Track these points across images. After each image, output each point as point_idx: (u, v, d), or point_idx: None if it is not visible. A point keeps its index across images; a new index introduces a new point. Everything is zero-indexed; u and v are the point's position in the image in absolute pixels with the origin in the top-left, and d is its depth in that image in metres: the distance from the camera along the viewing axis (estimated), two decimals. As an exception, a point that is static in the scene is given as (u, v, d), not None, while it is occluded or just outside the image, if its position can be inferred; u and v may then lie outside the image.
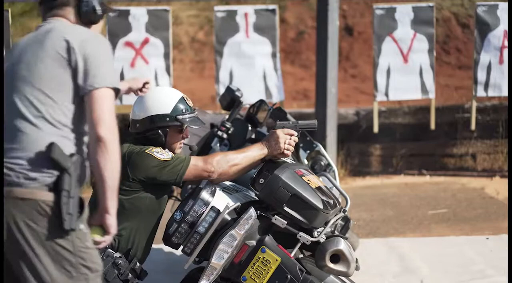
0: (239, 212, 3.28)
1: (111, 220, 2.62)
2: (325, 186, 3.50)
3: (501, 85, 7.48)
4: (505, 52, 7.40)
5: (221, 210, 3.21)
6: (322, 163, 4.71)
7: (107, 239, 2.68)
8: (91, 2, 2.76)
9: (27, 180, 2.50)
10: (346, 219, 3.73)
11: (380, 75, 7.38)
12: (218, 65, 7.24)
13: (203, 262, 3.36)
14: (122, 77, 7.11)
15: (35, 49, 2.61)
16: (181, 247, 3.30)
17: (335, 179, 4.59)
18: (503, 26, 7.36)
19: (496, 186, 7.29)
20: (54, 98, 2.55)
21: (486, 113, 8.13)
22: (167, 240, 3.29)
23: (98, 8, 2.77)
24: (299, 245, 3.28)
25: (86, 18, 2.77)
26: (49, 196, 2.50)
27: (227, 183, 3.50)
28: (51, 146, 2.50)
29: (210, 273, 3.22)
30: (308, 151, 4.76)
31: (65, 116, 2.56)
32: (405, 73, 7.38)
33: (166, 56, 7.18)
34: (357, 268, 3.40)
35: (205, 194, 3.25)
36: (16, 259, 2.52)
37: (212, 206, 3.23)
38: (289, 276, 3.18)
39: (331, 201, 3.39)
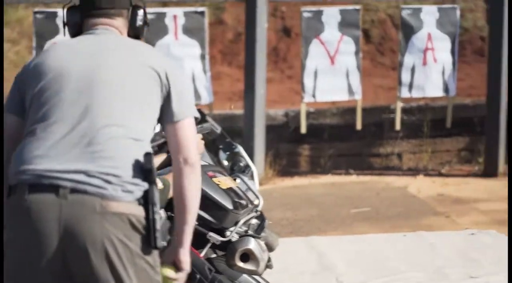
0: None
1: (186, 256, 2.53)
2: (238, 187, 3.59)
3: (424, 86, 7.72)
4: (429, 54, 7.64)
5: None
6: (241, 164, 4.81)
7: (180, 277, 2.56)
8: (144, 17, 2.71)
9: (124, 193, 2.34)
10: (261, 219, 3.84)
11: (307, 76, 7.53)
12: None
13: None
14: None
15: (127, 60, 2.51)
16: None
17: (253, 179, 4.69)
18: (427, 29, 7.60)
19: (419, 185, 7.52)
20: (145, 114, 2.46)
21: (411, 114, 8.37)
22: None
23: (148, 23, 2.75)
24: (209, 245, 3.37)
25: (137, 32, 2.69)
26: (140, 211, 2.36)
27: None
28: (147, 156, 2.39)
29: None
30: (228, 153, 4.86)
31: (149, 133, 2.49)
32: (332, 75, 7.55)
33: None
34: (270, 267, 3.50)
35: None
36: (102, 276, 2.32)
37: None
38: (198, 276, 3.26)
39: (243, 202, 3.48)
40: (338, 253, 5.21)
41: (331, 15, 7.47)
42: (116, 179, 2.32)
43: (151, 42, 7.26)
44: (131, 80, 2.46)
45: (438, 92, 7.82)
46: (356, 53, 7.57)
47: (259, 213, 3.70)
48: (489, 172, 7.84)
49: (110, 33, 2.60)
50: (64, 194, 2.28)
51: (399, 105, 7.85)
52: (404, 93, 7.73)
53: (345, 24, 7.48)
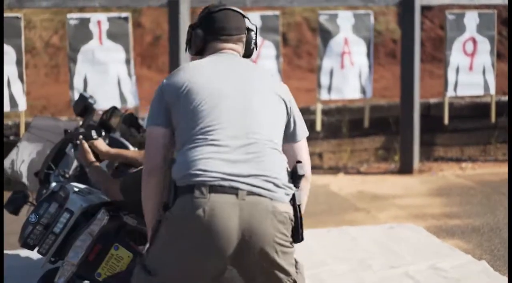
0: (92, 212, 3.50)
1: None
2: None
3: (342, 89, 8.05)
4: (346, 57, 7.97)
5: (74, 211, 3.43)
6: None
7: None
8: (255, 39, 3.00)
9: (286, 196, 2.69)
10: None
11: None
12: (72, 72, 7.35)
13: (58, 262, 3.55)
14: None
15: (263, 82, 2.85)
16: (37, 248, 3.48)
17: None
18: (343, 33, 7.93)
19: (340, 183, 7.83)
20: (281, 129, 2.83)
21: (330, 115, 8.69)
22: (22, 242, 3.46)
23: (256, 45, 3.03)
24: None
25: (250, 53, 3.01)
26: (292, 209, 2.72)
27: (81, 186, 3.71)
28: (300, 165, 2.75)
29: (66, 271, 3.43)
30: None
31: (281, 143, 2.83)
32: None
33: (19, 62, 7.21)
34: None
35: (59, 197, 3.45)
36: (271, 265, 2.68)
37: (66, 208, 3.44)
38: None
39: None
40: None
41: (252, 20, 7.68)
42: (280, 183, 2.69)
43: (76, 47, 7.35)
44: (270, 100, 2.81)
45: (356, 94, 8.16)
46: (277, 57, 7.83)
47: None
48: (405, 169, 8.23)
49: (237, 57, 2.92)
50: (242, 195, 2.60)
51: (319, 106, 8.16)
52: (324, 95, 8.04)
53: (266, 29, 7.72)
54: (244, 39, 2.97)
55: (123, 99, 7.44)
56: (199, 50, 2.95)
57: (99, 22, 7.34)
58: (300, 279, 2.85)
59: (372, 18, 8.07)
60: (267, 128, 2.76)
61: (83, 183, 3.84)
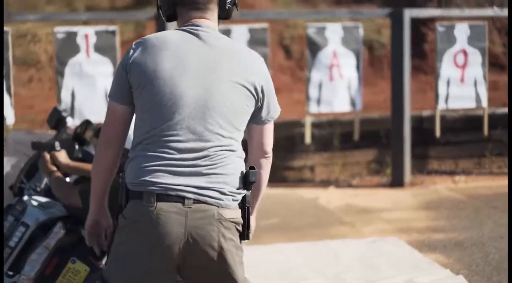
0: (50, 226, 3.47)
1: (254, 221, 2.99)
2: None
3: (332, 101, 8.01)
4: (335, 70, 7.93)
5: (30, 225, 3.40)
6: None
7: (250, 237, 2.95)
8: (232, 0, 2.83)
9: (233, 202, 2.73)
10: None
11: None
12: (60, 85, 7.35)
13: (16, 276, 3.51)
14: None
15: (233, 81, 2.73)
16: (-7, 262, 3.44)
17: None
18: (332, 46, 7.90)
19: (329, 196, 7.77)
20: (241, 128, 2.77)
21: (321, 128, 8.65)
22: (-22, 256, 3.42)
23: (237, 4, 2.86)
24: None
25: (226, 14, 2.82)
26: (240, 213, 2.76)
27: (43, 199, 3.68)
28: (253, 172, 2.75)
29: (24, 285, 3.39)
30: None
31: (240, 142, 2.79)
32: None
33: (7, 76, 7.21)
34: None
35: (15, 211, 3.43)
36: (218, 269, 2.71)
37: (22, 221, 3.41)
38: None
39: None
40: (245, 263, 5.38)
41: (240, 33, 7.68)
42: (228, 191, 2.71)
43: (64, 60, 7.34)
44: (236, 104, 2.72)
45: (345, 107, 8.12)
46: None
47: None
48: (396, 183, 8.17)
49: (210, 34, 2.73)
50: (188, 204, 2.65)
51: (309, 119, 8.11)
52: (313, 108, 8.00)
53: (254, 42, 7.69)
54: (216, 1, 2.80)
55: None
56: (169, 15, 2.81)
57: (86, 36, 7.34)
58: None
59: (361, 31, 8.04)
60: (226, 131, 2.73)
61: (52, 197, 3.80)
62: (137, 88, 2.70)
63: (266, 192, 8.26)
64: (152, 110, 2.68)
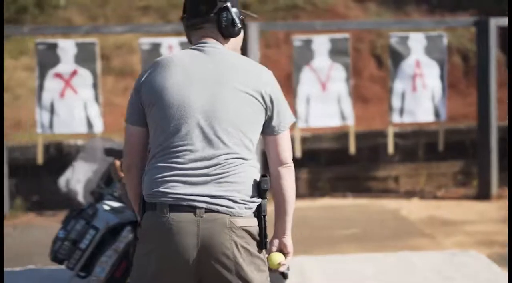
0: (120, 230, 3.59)
1: (290, 241, 2.93)
2: None
3: (414, 111, 7.91)
4: (418, 79, 7.84)
5: (100, 228, 3.53)
6: None
7: (288, 260, 2.92)
8: (229, 15, 2.86)
9: (246, 210, 2.73)
10: None
11: (300, 103, 7.75)
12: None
13: (88, 278, 3.65)
14: (52, 107, 7.41)
15: (240, 91, 2.78)
16: (66, 262, 3.60)
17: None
18: (415, 55, 7.81)
19: (412, 207, 7.68)
20: (251, 137, 2.79)
21: (406, 138, 8.55)
22: (52, 257, 3.59)
23: (237, 22, 2.88)
24: None
25: (229, 33, 2.87)
26: (255, 222, 2.76)
27: (115, 204, 3.81)
28: (264, 179, 2.76)
29: (94, 286, 3.53)
30: None
31: (254, 153, 2.82)
32: (324, 101, 7.77)
33: (95, 86, 7.48)
34: None
35: (86, 215, 3.57)
36: (233, 278, 2.73)
37: (93, 225, 3.54)
38: None
39: None
40: (318, 271, 5.39)
41: (321, 43, 7.70)
42: (239, 199, 2.71)
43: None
44: (244, 112, 2.76)
45: (429, 117, 8.00)
46: (347, 79, 7.79)
47: None
48: (482, 195, 7.98)
49: (215, 49, 2.81)
50: (200, 213, 2.68)
51: (391, 129, 8.04)
52: (395, 118, 7.93)
53: (335, 52, 7.70)
54: (212, 20, 2.85)
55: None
56: (189, 41, 2.93)
57: (170, 46, 7.53)
58: None
59: (445, 40, 7.91)
60: (234, 145, 2.76)
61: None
62: (148, 106, 2.77)
63: (349, 202, 8.23)
64: (163, 124, 2.75)
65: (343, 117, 7.85)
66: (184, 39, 7.78)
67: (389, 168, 8.58)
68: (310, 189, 8.47)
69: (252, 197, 2.76)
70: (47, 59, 7.40)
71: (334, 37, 7.77)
